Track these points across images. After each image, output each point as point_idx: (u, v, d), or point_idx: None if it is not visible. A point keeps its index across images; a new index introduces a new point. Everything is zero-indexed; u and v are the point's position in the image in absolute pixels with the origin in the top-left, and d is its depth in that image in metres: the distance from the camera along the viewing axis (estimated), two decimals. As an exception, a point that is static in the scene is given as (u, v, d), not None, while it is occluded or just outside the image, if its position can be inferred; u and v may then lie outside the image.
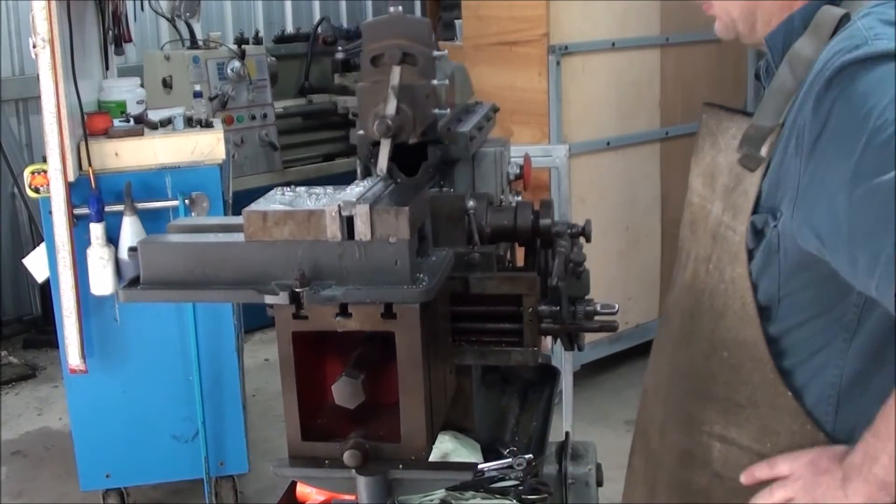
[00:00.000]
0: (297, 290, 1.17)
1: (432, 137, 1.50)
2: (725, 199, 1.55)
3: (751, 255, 1.49)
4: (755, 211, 1.47)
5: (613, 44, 4.71)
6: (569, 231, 1.57)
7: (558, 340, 1.59)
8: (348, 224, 1.19)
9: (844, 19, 1.44)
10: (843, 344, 1.47)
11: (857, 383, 1.48)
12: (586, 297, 1.47)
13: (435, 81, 1.44)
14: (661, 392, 1.75)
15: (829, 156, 1.35)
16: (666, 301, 1.82)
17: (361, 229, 1.19)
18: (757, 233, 1.48)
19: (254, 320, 5.07)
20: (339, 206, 1.19)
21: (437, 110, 1.46)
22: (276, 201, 1.29)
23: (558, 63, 4.52)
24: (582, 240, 1.60)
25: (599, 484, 1.71)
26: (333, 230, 1.20)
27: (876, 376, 1.46)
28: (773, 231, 1.45)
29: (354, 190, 1.27)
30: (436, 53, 1.46)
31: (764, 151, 1.46)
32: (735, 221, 1.51)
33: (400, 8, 1.47)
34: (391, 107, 1.36)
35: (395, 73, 1.39)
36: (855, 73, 1.33)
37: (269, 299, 1.20)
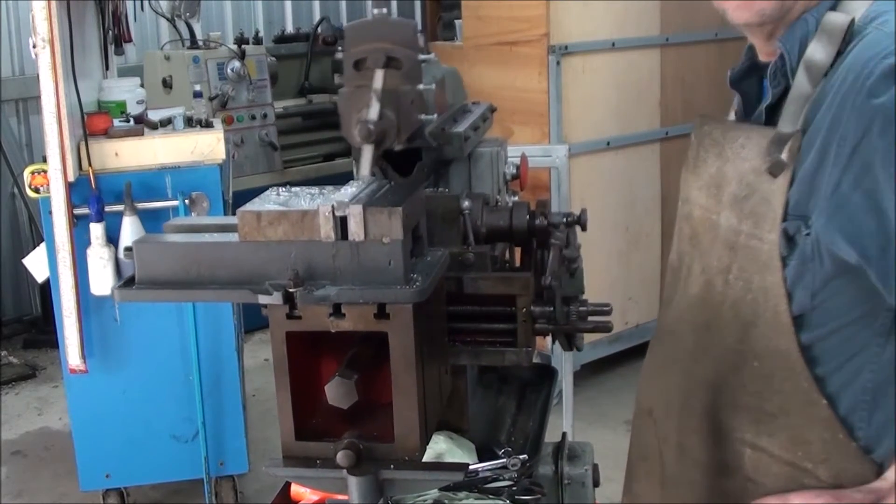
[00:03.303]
0: (290, 290, 1.17)
1: (420, 144, 1.45)
2: (737, 208, 1.54)
3: (784, 262, 1.47)
4: (785, 218, 1.46)
5: (613, 44, 4.72)
6: (564, 220, 1.55)
7: (557, 341, 1.59)
8: (342, 224, 1.19)
9: (850, 25, 1.44)
10: (877, 349, 1.47)
11: (892, 387, 1.47)
12: (581, 298, 1.47)
13: (421, 86, 1.38)
14: (674, 410, 1.72)
15: (873, 173, 1.35)
16: (663, 319, 1.79)
17: (355, 229, 1.18)
18: (789, 240, 1.47)
19: (254, 321, 5.06)
20: (332, 206, 1.19)
21: (423, 116, 1.39)
22: (271, 201, 1.29)
23: (558, 63, 4.52)
24: (578, 240, 1.60)
25: (596, 484, 1.70)
26: (327, 230, 1.19)
27: None
28: (807, 239, 1.44)
29: (349, 190, 1.27)
30: (423, 57, 1.39)
31: (784, 157, 1.46)
32: (759, 230, 1.50)
33: (385, 10, 1.39)
34: (374, 112, 1.30)
35: (379, 77, 1.33)
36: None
37: (262, 299, 1.20)
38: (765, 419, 1.55)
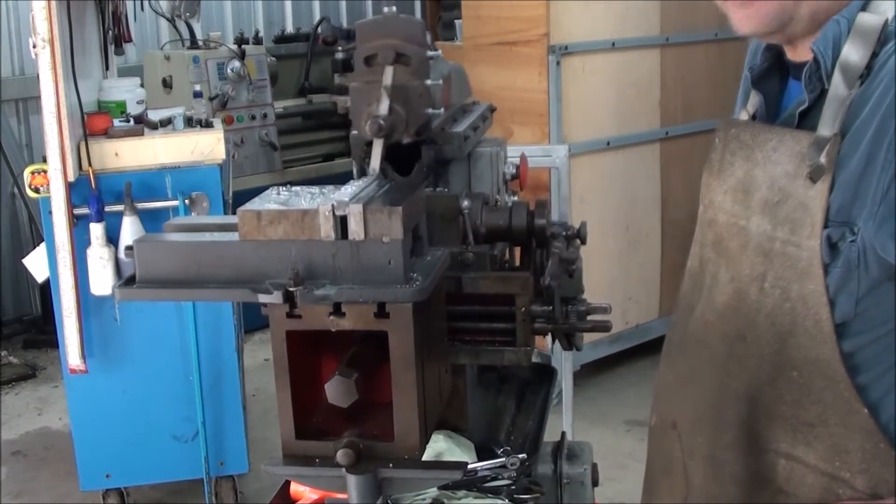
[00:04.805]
0: (290, 289, 1.17)
1: (426, 137, 1.49)
2: (770, 213, 1.51)
3: (826, 270, 1.44)
4: (826, 224, 1.43)
5: (613, 44, 4.72)
6: (564, 233, 1.56)
7: (557, 340, 1.59)
8: (342, 223, 1.19)
9: (885, 26, 1.43)
10: None
11: None
12: (580, 298, 1.47)
13: (429, 81, 1.42)
14: (705, 423, 1.67)
15: None
16: (685, 328, 1.74)
17: (355, 229, 1.18)
18: (832, 247, 1.44)
19: (254, 321, 5.07)
20: (332, 205, 1.19)
21: (430, 110, 1.44)
22: (272, 200, 1.29)
23: (558, 63, 4.53)
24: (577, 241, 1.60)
25: (595, 484, 1.70)
26: (327, 229, 1.19)
27: None
28: (852, 246, 1.42)
29: (349, 189, 1.27)
30: (430, 54, 1.44)
31: (822, 161, 1.43)
32: (796, 236, 1.47)
33: (394, 8, 1.45)
34: (384, 107, 1.35)
35: (388, 73, 1.38)
36: None
37: (262, 298, 1.20)
38: (802, 429, 1.52)
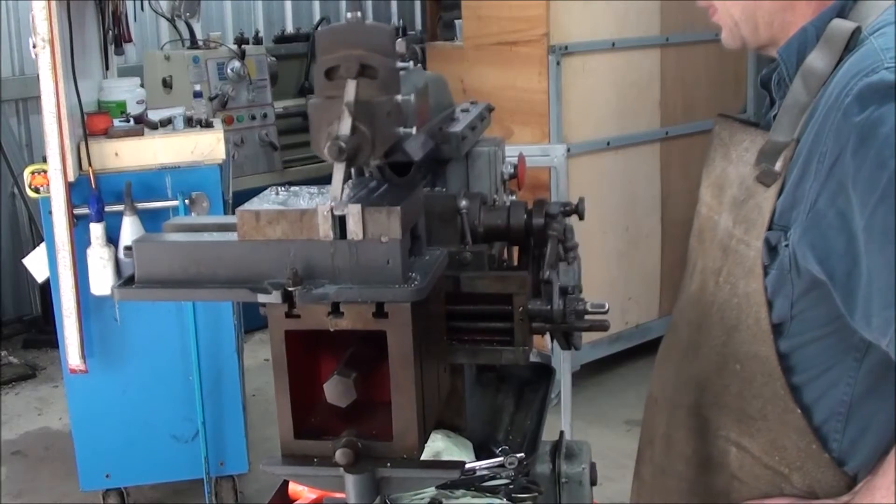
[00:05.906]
0: (289, 288, 1.18)
1: (399, 158, 1.35)
2: (735, 211, 1.55)
3: (766, 271, 1.49)
4: (770, 227, 1.47)
5: (613, 44, 4.72)
6: (562, 210, 1.55)
7: (555, 340, 1.59)
8: (340, 223, 1.20)
9: (856, 33, 1.44)
10: (853, 363, 1.47)
11: (867, 402, 1.49)
12: (579, 297, 1.47)
13: (399, 97, 1.24)
14: (666, 401, 1.75)
15: (846, 193, 1.35)
16: (673, 310, 1.83)
17: (353, 229, 1.19)
18: (771, 249, 1.47)
19: (254, 321, 5.06)
20: (331, 205, 1.19)
21: (401, 129, 1.24)
22: (271, 200, 1.29)
23: (558, 63, 4.53)
24: (576, 238, 1.60)
25: (593, 483, 1.71)
26: (325, 229, 1.20)
27: (886, 396, 1.47)
28: (786, 251, 1.45)
29: (347, 190, 1.28)
30: (401, 65, 1.26)
31: (778, 166, 1.46)
32: (748, 236, 1.51)
33: (359, 13, 1.25)
34: (345, 126, 1.17)
35: (351, 88, 1.20)
36: (874, 101, 1.32)
37: (261, 298, 1.20)
38: (746, 420, 1.57)
